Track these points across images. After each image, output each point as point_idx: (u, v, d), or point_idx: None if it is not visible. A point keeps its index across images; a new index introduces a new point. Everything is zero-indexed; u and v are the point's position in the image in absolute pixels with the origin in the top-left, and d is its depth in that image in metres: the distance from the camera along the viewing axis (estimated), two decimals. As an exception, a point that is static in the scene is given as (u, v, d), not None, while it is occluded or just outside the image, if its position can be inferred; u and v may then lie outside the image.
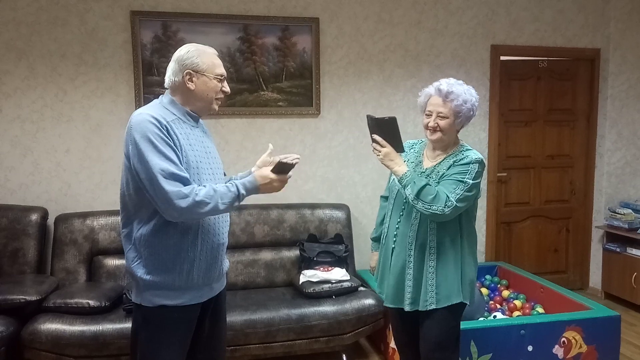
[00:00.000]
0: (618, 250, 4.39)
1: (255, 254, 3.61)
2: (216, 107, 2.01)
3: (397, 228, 2.21)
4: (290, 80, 3.87)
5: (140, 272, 1.88)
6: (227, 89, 1.99)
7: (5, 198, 3.49)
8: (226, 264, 2.12)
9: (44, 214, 3.41)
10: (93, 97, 3.59)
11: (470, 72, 4.22)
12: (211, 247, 1.96)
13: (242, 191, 1.86)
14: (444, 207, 2.00)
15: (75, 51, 3.53)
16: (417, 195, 2.02)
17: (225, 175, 2.17)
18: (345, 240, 3.69)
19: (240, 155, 3.84)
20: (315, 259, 3.45)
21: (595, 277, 4.70)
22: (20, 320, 2.87)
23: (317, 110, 3.94)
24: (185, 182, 1.79)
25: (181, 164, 1.82)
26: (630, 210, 4.38)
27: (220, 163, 2.09)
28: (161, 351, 1.92)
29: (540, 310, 3.46)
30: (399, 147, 2.15)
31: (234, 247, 3.58)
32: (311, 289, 3.23)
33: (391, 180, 2.33)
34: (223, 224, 2.01)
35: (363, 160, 4.08)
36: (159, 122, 1.81)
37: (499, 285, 3.94)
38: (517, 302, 3.55)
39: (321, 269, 3.35)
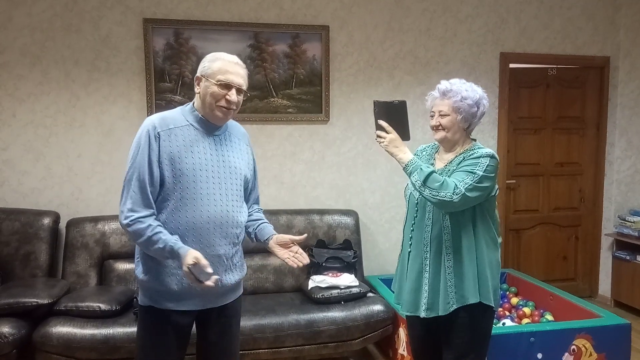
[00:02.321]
0: (628, 258, 4.37)
1: (264, 259, 3.62)
2: (220, 115, 1.93)
3: (412, 231, 2.19)
4: (300, 87, 3.90)
5: (138, 270, 1.96)
6: (231, 98, 1.90)
7: (17, 202, 3.53)
8: (231, 277, 2.03)
9: (56, 218, 3.45)
10: (105, 103, 3.63)
11: (479, 80, 4.23)
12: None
13: (167, 254, 1.84)
14: (452, 194, 1.95)
15: (88, 57, 3.58)
16: (424, 182, 1.98)
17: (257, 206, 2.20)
18: (354, 246, 3.70)
19: (250, 161, 3.86)
20: (324, 264, 3.46)
21: (605, 285, 4.68)
22: (32, 323, 2.90)
23: (327, 117, 3.97)
24: (144, 205, 1.85)
25: (151, 180, 1.86)
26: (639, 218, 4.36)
27: (240, 172, 2.03)
28: (146, 349, 1.98)
29: (549, 317, 3.45)
30: (405, 135, 2.08)
31: (243, 252, 3.60)
32: (320, 295, 3.24)
33: (405, 186, 2.32)
34: (219, 236, 1.95)
35: (372, 167, 4.10)
36: (155, 130, 1.87)
37: (508, 292, 3.93)
38: (526, 310, 3.54)
39: (330, 274, 3.36)
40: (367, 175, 4.10)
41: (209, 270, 1.79)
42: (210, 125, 1.97)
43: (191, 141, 1.92)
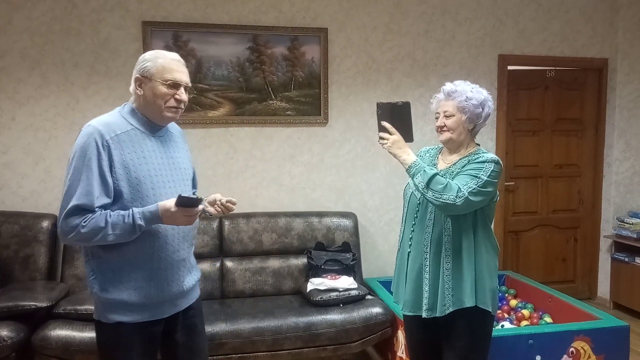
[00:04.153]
0: (626, 260, 4.37)
1: (263, 262, 3.63)
2: (169, 115, 1.86)
3: (412, 231, 2.19)
4: (299, 89, 3.91)
5: (96, 288, 1.83)
6: (181, 97, 1.85)
7: (17, 205, 3.54)
8: (192, 278, 2.01)
9: (55, 221, 3.45)
10: (105, 106, 3.63)
11: (477, 82, 4.12)
12: (170, 264, 1.88)
13: (140, 222, 1.73)
14: (456, 197, 1.95)
15: (87, 60, 3.59)
16: (428, 183, 1.98)
17: (195, 190, 2.13)
18: (353, 248, 3.70)
19: (249, 163, 3.88)
20: (322, 267, 3.46)
21: (604, 287, 4.68)
22: (31, 326, 2.90)
23: (325, 119, 3.97)
24: (92, 211, 1.72)
25: (105, 190, 1.74)
26: (638, 220, 4.37)
27: (189, 172, 2.02)
28: None
29: (548, 319, 3.45)
30: (408, 137, 2.05)
31: (242, 254, 3.62)
32: (318, 297, 3.24)
33: (405, 186, 2.32)
34: (181, 240, 1.91)
35: (370, 169, 4.10)
36: (102, 138, 1.74)
37: (506, 295, 3.93)
38: (525, 312, 3.54)
39: (328, 277, 3.37)
40: (366, 177, 4.11)
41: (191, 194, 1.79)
42: (154, 127, 1.90)
43: (141, 146, 1.83)
